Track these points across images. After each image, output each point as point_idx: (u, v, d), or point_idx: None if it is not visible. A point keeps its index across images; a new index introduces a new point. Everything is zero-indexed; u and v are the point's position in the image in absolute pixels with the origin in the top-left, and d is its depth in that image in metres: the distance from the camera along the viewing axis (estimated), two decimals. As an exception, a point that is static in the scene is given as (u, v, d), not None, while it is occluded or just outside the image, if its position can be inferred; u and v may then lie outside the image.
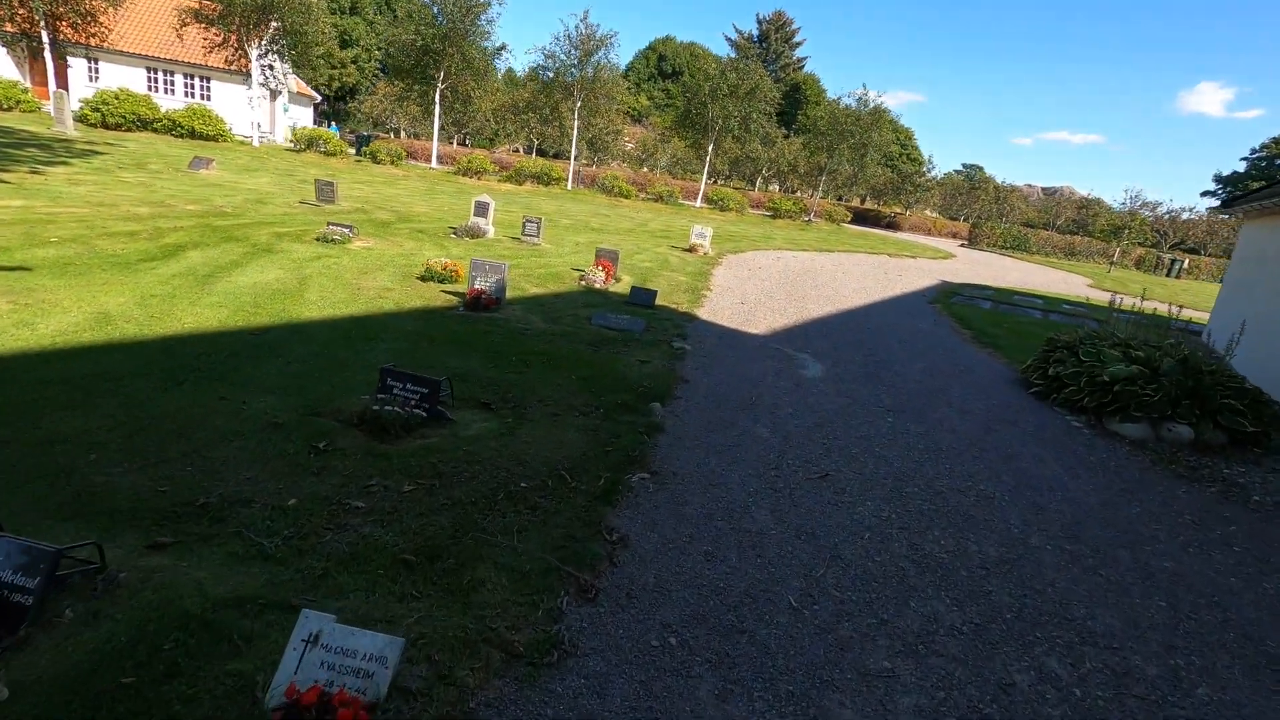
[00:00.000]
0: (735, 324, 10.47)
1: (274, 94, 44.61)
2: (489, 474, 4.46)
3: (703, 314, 10.89)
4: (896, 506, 4.82)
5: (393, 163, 32.03)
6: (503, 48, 33.22)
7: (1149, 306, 11.00)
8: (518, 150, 62.23)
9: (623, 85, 50.56)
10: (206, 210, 13.63)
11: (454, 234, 15.49)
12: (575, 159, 37.64)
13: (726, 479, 4.95)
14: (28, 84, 33.98)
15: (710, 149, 38.21)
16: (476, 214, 16.23)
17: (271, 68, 31.49)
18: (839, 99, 38.25)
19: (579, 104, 35.04)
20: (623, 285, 12.54)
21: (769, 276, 16.73)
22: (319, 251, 11.42)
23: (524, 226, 16.20)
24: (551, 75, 34.89)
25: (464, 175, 32.87)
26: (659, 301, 11.12)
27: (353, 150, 35.01)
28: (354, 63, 71.52)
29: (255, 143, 30.68)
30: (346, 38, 71.41)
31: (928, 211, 64.83)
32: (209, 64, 34.84)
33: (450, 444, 4.86)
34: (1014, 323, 14.35)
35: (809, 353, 9.21)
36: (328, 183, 16.82)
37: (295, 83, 47.38)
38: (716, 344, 9.03)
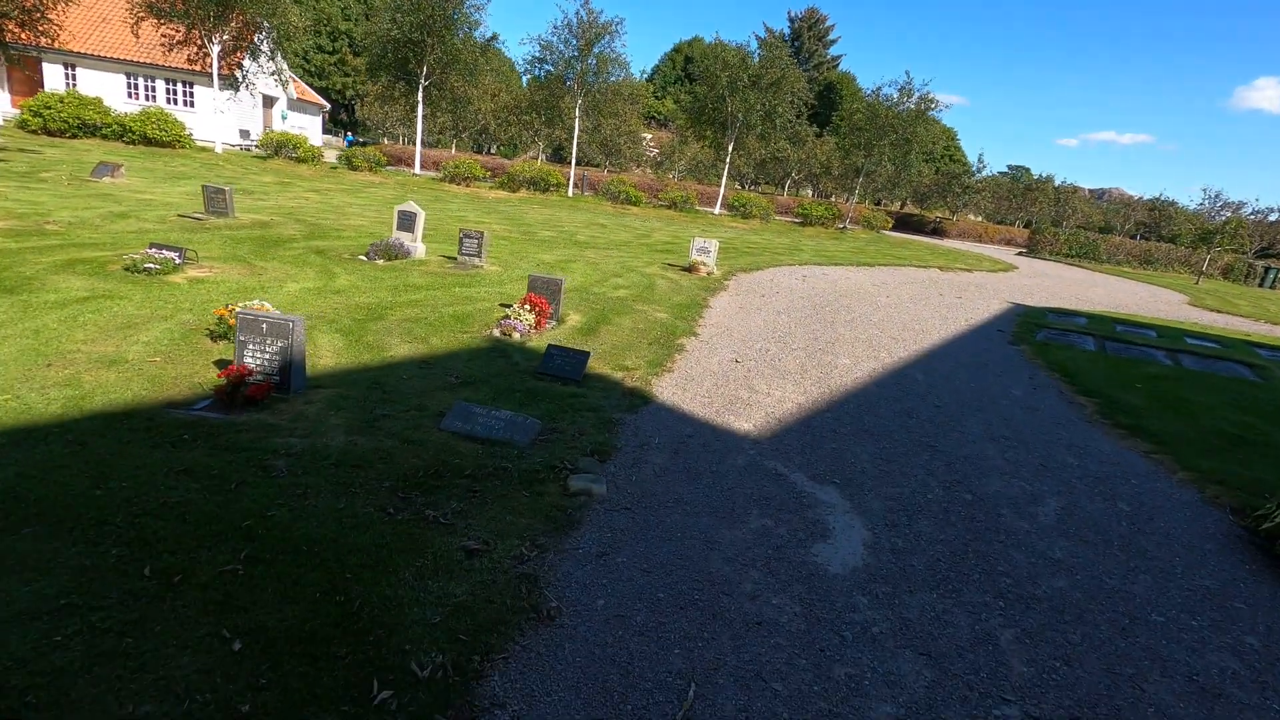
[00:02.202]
0: (714, 410, 6.31)
1: (269, 100, 42.02)
2: None
3: (664, 389, 6.75)
4: None
5: (371, 169, 28.61)
6: (493, 38, 29.54)
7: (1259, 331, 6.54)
8: (540, 159, 58.57)
9: (644, 87, 46.62)
10: (15, 229, 10.05)
11: (367, 255, 11.67)
12: (576, 163, 33.74)
13: None
14: (6, 93, 31.97)
15: (730, 148, 33.86)
16: (400, 227, 12.39)
17: (241, 66, 28.40)
18: (878, 88, 33.54)
19: (580, 100, 31.07)
20: (565, 331, 8.52)
21: (787, 307, 12.48)
22: (101, 288, 7.68)
23: (461, 244, 12.29)
24: (550, 69, 31.06)
25: (450, 182, 29.25)
26: (599, 366, 7.04)
27: (331, 155, 31.79)
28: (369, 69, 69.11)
29: (218, 149, 27.58)
30: (362, 45, 69.02)
31: (971, 215, 59.35)
32: (191, 68, 32.05)
33: None
34: (1145, 378, 9.84)
35: (836, 482, 5.00)
36: (218, 190, 13.18)
37: (294, 87, 44.77)
38: (663, 470, 4.90)
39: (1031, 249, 40.25)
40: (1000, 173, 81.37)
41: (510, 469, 4.53)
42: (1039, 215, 52.95)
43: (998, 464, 5.72)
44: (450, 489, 4.19)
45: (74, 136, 25.05)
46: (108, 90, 31.01)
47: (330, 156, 31.75)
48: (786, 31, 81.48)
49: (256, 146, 28.40)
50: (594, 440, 5.16)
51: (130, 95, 33.07)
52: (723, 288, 13.69)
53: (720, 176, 36.54)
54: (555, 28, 30.09)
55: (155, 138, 25.87)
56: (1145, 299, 23.40)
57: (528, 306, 8.48)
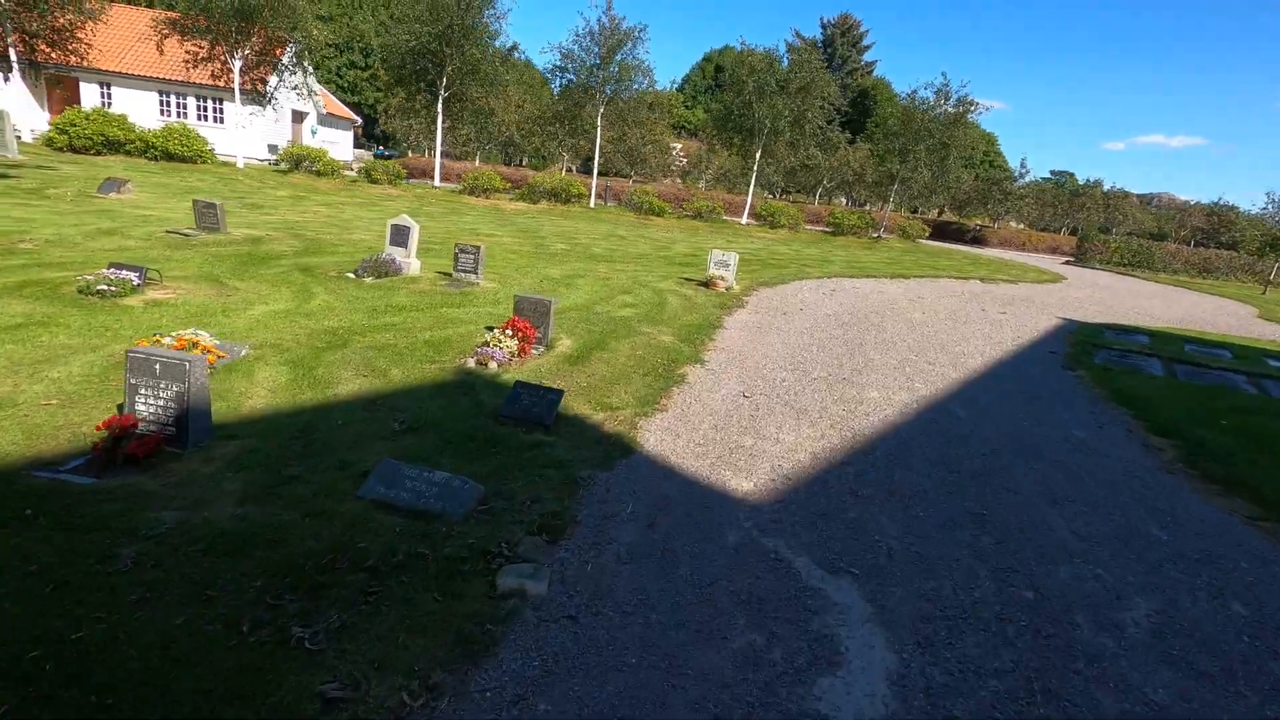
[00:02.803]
0: (708, 463, 5.24)
1: (299, 115, 42.31)
2: None
3: (652, 435, 5.70)
4: None
5: (391, 182, 28.25)
6: (514, 48, 29.02)
7: None
8: (571, 170, 57.86)
9: (672, 96, 45.75)
10: (-18, 247, 9.55)
11: (355, 273, 10.92)
12: (602, 173, 32.97)
13: None
14: (46, 112, 32.55)
15: (758, 155, 32.70)
16: (393, 242, 11.63)
17: (264, 81, 28.40)
18: (914, 91, 32.00)
19: (602, 109, 30.31)
20: (551, 359, 7.56)
21: (810, 327, 11.33)
22: (41, 314, 7.00)
23: (456, 259, 11.48)
24: (572, 78, 30.38)
25: (469, 194, 28.73)
26: (579, 404, 6.04)
27: (354, 169, 31.62)
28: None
29: (240, 164, 27.54)
30: (381, 58, 69.60)
31: (1012, 223, 56.95)
32: (218, 84, 32.26)
33: None
34: (1229, 410, 8.42)
35: (854, 571, 3.89)
36: (209, 205, 12.63)
37: (325, 103, 45.09)
38: (630, 554, 3.85)
39: (1080, 257, 38.11)
40: (1043, 178, 78.36)
41: (428, 556, 3.54)
42: (1086, 222, 50.43)
43: (1065, 540, 4.53)
44: (340, 589, 3.22)
45: (98, 153, 25.20)
46: (141, 107, 31.31)
47: (353, 170, 31.60)
48: (819, 38, 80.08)
49: (280, 161, 28.31)
50: (548, 510, 4.14)
51: (162, 112, 33.42)
52: (741, 305, 12.60)
53: (748, 185, 35.42)
54: (577, 35, 29.43)
55: (177, 153, 25.91)
56: (1210, 312, 21.51)
57: (509, 332, 7.55)
